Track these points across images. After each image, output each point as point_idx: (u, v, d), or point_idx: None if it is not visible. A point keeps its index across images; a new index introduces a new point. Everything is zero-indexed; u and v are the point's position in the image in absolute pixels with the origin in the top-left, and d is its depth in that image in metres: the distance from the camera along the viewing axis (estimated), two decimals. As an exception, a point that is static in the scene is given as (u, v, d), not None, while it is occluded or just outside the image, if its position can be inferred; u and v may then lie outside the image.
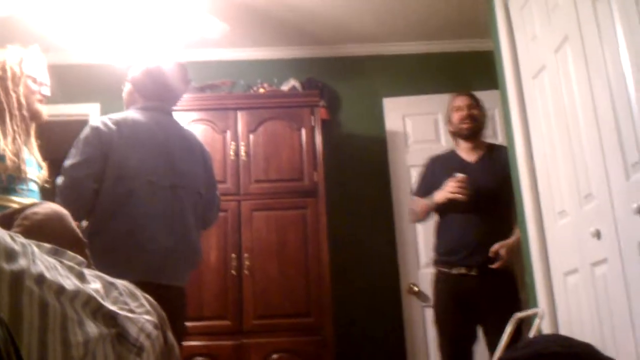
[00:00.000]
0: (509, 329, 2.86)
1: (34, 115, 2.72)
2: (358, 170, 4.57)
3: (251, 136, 4.04)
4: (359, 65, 4.80)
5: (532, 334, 2.86)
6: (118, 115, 2.66)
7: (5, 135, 2.56)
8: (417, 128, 4.62)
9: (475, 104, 3.62)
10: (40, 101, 2.75)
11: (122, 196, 2.51)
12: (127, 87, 2.91)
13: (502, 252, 3.19)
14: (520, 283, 3.33)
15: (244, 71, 4.63)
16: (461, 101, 3.64)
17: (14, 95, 2.63)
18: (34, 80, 2.73)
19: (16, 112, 2.62)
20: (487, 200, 3.31)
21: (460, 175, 3.29)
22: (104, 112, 4.51)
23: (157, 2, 3.36)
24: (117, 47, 3.54)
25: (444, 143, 4.53)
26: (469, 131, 3.57)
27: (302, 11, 4.24)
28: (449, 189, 3.31)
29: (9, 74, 2.65)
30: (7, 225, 1.60)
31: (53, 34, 4.23)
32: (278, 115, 4.09)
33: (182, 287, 2.66)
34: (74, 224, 2.05)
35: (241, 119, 4.07)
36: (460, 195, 3.26)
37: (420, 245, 4.35)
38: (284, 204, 3.93)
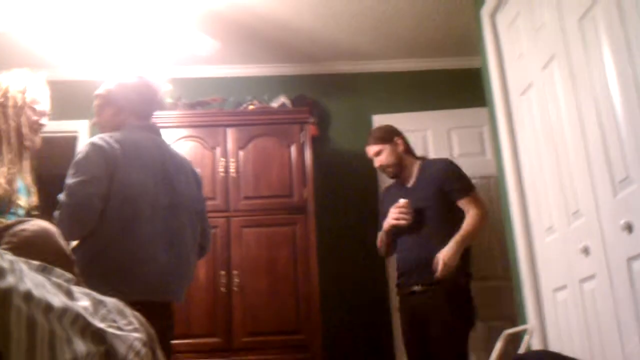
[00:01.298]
0: (498, 345, 2.86)
1: (30, 144, 2.68)
2: (348, 186, 4.57)
3: (241, 153, 4.04)
4: (349, 82, 4.83)
5: (521, 350, 2.86)
6: (118, 135, 2.56)
7: (0, 164, 2.54)
8: (407, 145, 4.63)
9: (381, 144, 3.62)
10: (38, 130, 2.71)
11: (128, 217, 2.46)
12: (103, 110, 2.75)
13: (440, 262, 3.20)
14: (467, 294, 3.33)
15: (234, 88, 4.65)
16: (369, 152, 3.67)
17: (13, 123, 2.60)
18: (34, 110, 2.69)
19: (13, 141, 2.60)
20: (424, 217, 3.36)
21: (401, 201, 3.36)
22: (92, 128, 4.50)
23: (148, 19, 3.37)
24: (107, 63, 3.54)
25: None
26: (390, 175, 3.65)
27: (293, 29, 4.26)
28: (391, 216, 3.39)
29: (10, 102, 2.63)
30: (-5, 243, 1.59)
31: (42, 50, 4.23)
32: (268, 131, 4.10)
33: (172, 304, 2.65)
34: (62, 241, 2.04)
35: (231, 135, 4.08)
36: (402, 221, 3.33)
37: (411, 262, 4.35)
38: (274, 221, 3.92)
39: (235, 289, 3.76)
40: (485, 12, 3.39)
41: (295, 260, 3.84)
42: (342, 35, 4.40)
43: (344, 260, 4.37)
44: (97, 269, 2.33)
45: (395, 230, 3.43)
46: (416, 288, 3.31)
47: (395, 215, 3.37)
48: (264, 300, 3.76)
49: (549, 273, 2.86)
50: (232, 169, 3.98)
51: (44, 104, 2.75)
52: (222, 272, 3.77)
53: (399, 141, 3.60)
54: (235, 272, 3.79)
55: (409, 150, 3.63)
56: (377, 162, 3.61)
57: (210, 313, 3.72)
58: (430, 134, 4.63)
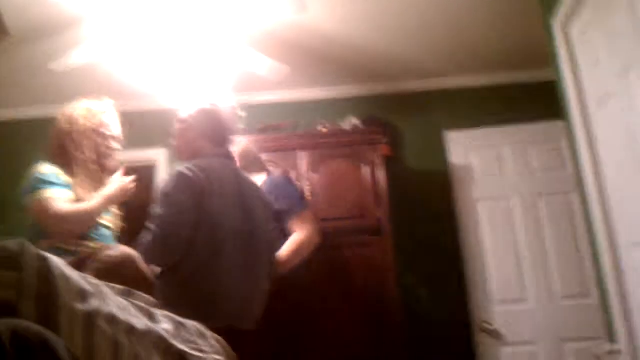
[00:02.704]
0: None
1: (104, 167, 2.79)
2: (423, 205, 4.52)
3: (314, 175, 4.06)
4: (420, 100, 4.79)
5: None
6: (200, 163, 2.60)
7: (80, 186, 2.66)
8: (483, 161, 4.55)
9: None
10: (109, 155, 2.81)
11: (215, 245, 2.49)
12: (184, 134, 2.84)
13: None
14: None
15: (305, 111, 4.70)
16: None
17: (86, 150, 2.71)
18: (103, 135, 2.79)
19: (90, 165, 2.71)
20: None
21: None
22: (170, 156, 4.64)
23: (220, 48, 3.46)
24: (182, 92, 3.64)
25: (511, 175, 4.45)
26: None
27: (360, 49, 4.28)
28: None
29: (75, 127, 2.74)
30: (81, 268, 1.65)
31: (122, 82, 4.40)
32: (340, 153, 4.10)
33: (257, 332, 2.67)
34: (145, 266, 2.10)
35: (304, 158, 4.10)
36: None
37: (492, 281, 4.25)
38: (350, 243, 3.90)
39: (312, 313, 3.75)
40: (556, 22, 3.30)
41: (372, 283, 3.80)
42: (411, 53, 4.38)
43: (422, 281, 4.31)
44: (184, 296, 2.39)
45: None
46: None
47: None
48: (342, 324, 3.73)
49: (639, 289, 2.72)
50: (306, 192, 4.00)
51: (113, 128, 2.85)
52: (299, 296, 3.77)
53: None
54: (312, 295, 3.78)
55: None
56: None
57: (289, 337, 3.72)
58: (507, 149, 4.53)
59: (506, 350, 4.10)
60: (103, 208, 2.67)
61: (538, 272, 4.21)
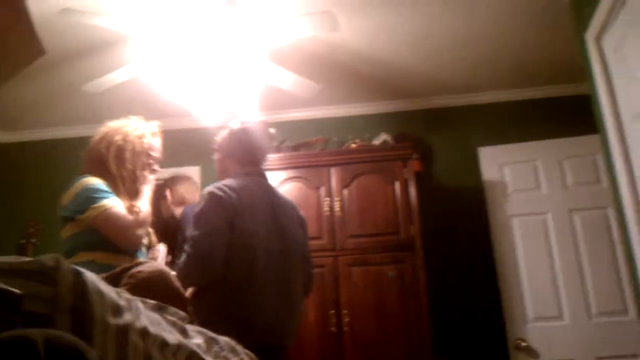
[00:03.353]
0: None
1: (142, 187, 2.78)
2: (456, 222, 4.48)
3: (345, 191, 4.07)
4: (451, 116, 4.78)
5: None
6: (232, 182, 2.64)
7: (124, 201, 2.67)
8: (516, 176, 4.50)
9: None
10: (149, 176, 2.83)
11: (249, 264, 2.51)
12: (218, 156, 2.91)
13: None
14: None
15: (336, 128, 4.71)
16: None
17: (129, 167, 2.73)
18: (150, 156, 2.82)
19: (129, 184, 2.73)
20: None
21: None
22: (204, 173, 4.69)
23: (251, 66, 3.50)
24: (216, 110, 3.69)
25: (545, 191, 4.39)
26: None
27: (391, 66, 4.29)
28: None
29: (129, 146, 2.76)
30: (115, 283, 1.67)
31: (154, 101, 4.48)
32: (371, 169, 4.10)
33: (286, 346, 2.68)
34: (177, 282, 2.12)
35: (334, 174, 4.12)
36: None
37: (527, 298, 4.18)
38: (381, 259, 3.89)
39: (345, 328, 3.74)
40: (590, 36, 3.27)
41: (404, 299, 3.78)
42: (442, 69, 4.37)
43: (455, 298, 4.26)
44: (222, 314, 2.41)
45: None
46: None
47: None
48: (374, 340, 3.72)
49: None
50: (337, 208, 4.01)
51: (158, 151, 2.89)
52: (332, 312, 3.77)
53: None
54: (344, 311, 3.78)
55: None
56: None
57: (322, 354, 3.71)
58: (541, 164, 4.47)
59: (541, 369, 4.03)
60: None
61: (574, 288, 4.13)
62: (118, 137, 2.76)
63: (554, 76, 4.50)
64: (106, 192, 2.62)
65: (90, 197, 2.59)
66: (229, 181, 2.65)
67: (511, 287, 4.22)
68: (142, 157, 2.78)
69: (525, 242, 4.31)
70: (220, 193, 2.55)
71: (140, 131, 2.83)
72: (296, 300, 2.67)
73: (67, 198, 2.66)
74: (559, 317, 4.11)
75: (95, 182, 2.66)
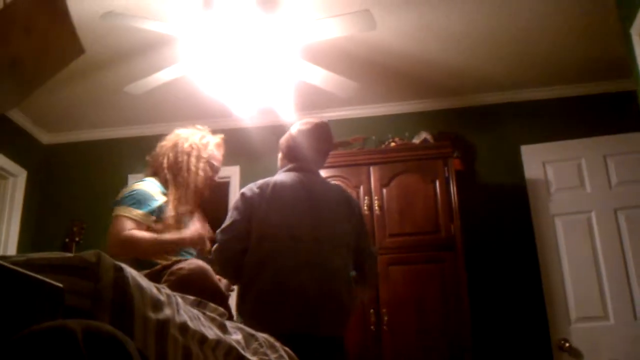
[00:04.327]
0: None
1: (202, 195, 3.00)
2: (498, 220, 4.42)
3: (384, 190, 4.05)
4: (493, 113, 4.71)
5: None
6: (264, 180, 2.84)
7: (179, 202, 2.85)
8: (560, 175, 4.41)
9: None
10: (210, 184, 3.02)
11: (266, 253, 2.63)
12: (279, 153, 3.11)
13: None
14: None
15: (375, 126, 4.69)
16: None
17: (194, 171, 2.93)
18: (212, 166, 3.02)
19: (191, 189, 2.91)
20: None
21: None
22: (243, 173, 4.73)
23: (291, 66, 3.52)
24: (254, 109, 3.72)
25: (589, 189, 4.30)
26: None
27: (430, 64, 4.26)
28: None
29: (195, 152, 2.96)
30: (156, 280, 1.70)
31: (194, 102, 4.54)
32: (410, 168, 4.07)
33: (338, 337, 2.69)
34: (216, 278, 2.15)
35: (374, 173, 4.10)
36: None
37: (571, 298, 4.10)
38: (421, 258, 3.86)
39: (384, 327, 3.72)
40: (635, 31, 3.18)
41: (444, 298, 3.74)
42: (482, 66, 4.32)
43: (497, 298, 4.20)
44: (248, 302, 2.55)
45: None
46: None
47: None
48: (414, 339, 3.69)
49: None
50: (376, 207, 3.99)
51: (219, 161, 3.08)
52: (371, 311, 3.75)
53: None
54: (384, 310, 3.76)
55: None
56: None
57: (361, 353, 3.70)
58: (585, 162, 4.38)
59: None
60: (174, 246, 2.78)
61: (619, 288, 4.04)
62: (186, 145, 2.96)
63: (598, 72, 4.40)
64: (138, 202, 2.76)
65: (120, 199, 2.81)
66: (263, 179, 2.84)
67: (554, 287, 4.14)
68: (206, 166, 2.97)
69: (569, 241, 4.23)
70: (245, 191, 2.79)
71: (206, 140, 3.02)
72: (335, 288, 2.66)
73: (122, 192, 2.90)
74: (604, 317, 4.02)
75: (141, 187, 2.84)
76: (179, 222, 2.83)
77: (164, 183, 2.90)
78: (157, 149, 3.03)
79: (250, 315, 2.48)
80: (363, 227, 2.97)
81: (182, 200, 2.85)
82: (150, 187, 2.86)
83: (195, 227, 2.84)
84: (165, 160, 2.94)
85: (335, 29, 3.21)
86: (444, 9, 3.67)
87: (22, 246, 4.68)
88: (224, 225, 2.75)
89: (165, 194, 2.87)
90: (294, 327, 2.41)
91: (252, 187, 2.80)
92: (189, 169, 2.91)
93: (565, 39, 4.00)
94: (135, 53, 4.01)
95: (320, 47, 3.86)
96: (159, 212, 2.81)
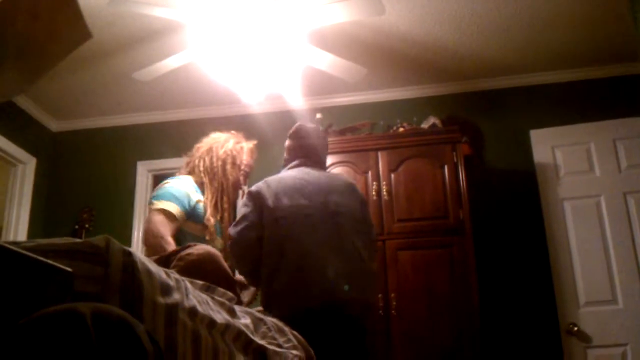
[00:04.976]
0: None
1: (233, 200, 3.20)
2: (506, 205, 4.41)
3: (392, 175, 4.04)
4: (501, 98, 4.68)
5: None
6: (269, 177, 2.93)
7: (211, 206, 3.03)
8: (569, 159, 4.39)
9: None
10: (240, 190, 3.20)
11: (283, 236, 2.70)
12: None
13: None
14: None
15: (383, 112, 4.68)
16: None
17: (230, 178, 3.12)
18: (245, 173, 3.20)
19: (227, 193, 3.11)
20: None
21: None
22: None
23: (298, 52, 3.51)
24: (262, 94, 3.72)
25: (599, 173, 4.28)
26: None
27: (438, 48, 4.23)
28: None
29: (230, 159, 3.14)
30: (165, 265, 1.71)
31: (201, 89, 4.54)
32: (419, 153, 4.06)
33: (370, 303, 2.82)
34: (225, 264, 2.16)
35: (382, 159, 4.09)
36: None
37: (579, 282, 4.09)
38: (429, 243, 3.86)
39: (393, 312, 3.73)
40: (646, 12, 3.16)
41: (453, 283, 3.74)
42: (491, 50, 4.29)
43: (505, 283, 4.20)
44: (274, 285, 2.62)
45: None
46: None
47: None
48: (422, 324, 3.70)
49: None
50: (384, 192, 3.99)
51: (251, 167, 3.26)
52: (379, 296, 3.76)
53: None
54: (392, 295, 3.76)
55: None
56: None
57: (370, 337, 3.70)
58: (594, 146, 4.35)
59: (594, 353, 3.94)
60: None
61: (628, 272, 4.02)
62: (221, 152, 3.14)
63: (607, 56, 4.37)
64: (173, 196, 2.95)
65: (159, 193, 2.99)
66: (272, 176, 2.94)
67: (563, 271, 4.14)
68: (239, 173, 3.17)
69: (577, 225, 4.21)
70: (250, 189, 2.89)
71: (240, 147, 3.21)
72: (357, 258, 2.74)
73: (158, 187, 3.06)
74: (613, 301, 4.01)
75: (179, 184, 3.03)
76: (213, 228, 3.03)
77: (200, 185, 3.09)
78: (194, 150, 3.22)
79: (280, 297, 2.57)
80: (369, 214, 3.07)
81: (218, 206, 3.06)
82: (186, 186, 3.03)
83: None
84: (201, 164, 3.13)
85: (344, 14, 3.20)
86: (452, -8, 3.65)
87: (32, 233, 4.71)
88: (235, 220, 2.84)
89: (198, 194, 3.06)
90: (325, 298, 2.52)
91: (257, 184, 2.88)
92: (225, 175, 3.10)
93: (575, 22, 3.96)
94: (143, 39, 4.01)
95: (328, 32, 3.84)
96: (192, 210, 2.99)
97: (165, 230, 2.82)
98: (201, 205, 3.03)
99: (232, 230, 2.81)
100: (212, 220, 3.01)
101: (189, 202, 2.97)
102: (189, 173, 3.15)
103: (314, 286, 2.58)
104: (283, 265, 2.64)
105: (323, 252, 2.65)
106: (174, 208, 2.90)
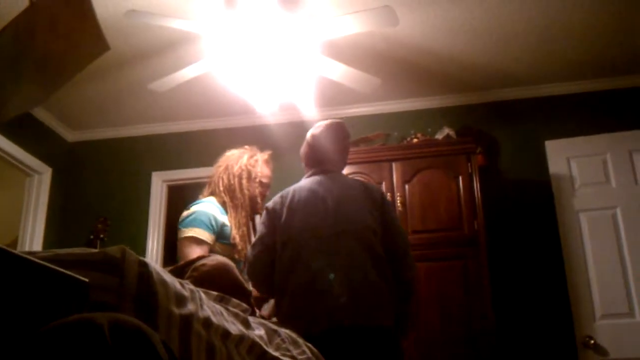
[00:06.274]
0: None
1: (253, 215, 3.25)
2: (521, 217, 4.38)
3: (407, 186, 4.03)
4: (516, 109, 4.67)
5: None
6: (286, 190, 2.91)
7: (239, 226, 3.10)
8: (584, 170, 4.36)
9: None
10: (260, 205, 3.19)
11: (292, 258, 2.68)
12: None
13: None
14: None
15: (397, 123, 4.67)
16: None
17: (247, 192, 3.17)
18: (262, 184, 3.23)
19: (247, 208, 3.17)
20: None
21: None
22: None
23: (311, 62, 3.52)
24: (276, 105, 3.73)
25: (615, 185, 4.25)
26: None
27: (452, 59, 4.23)
28: None
29: (245, 174, 3.19)
30: (180, 276, 1.71)
31: (216, 100, 4.56)
32: (433, 164, 4.05)
33: (381, 327, 2.60)
34: (239, 274, 2.16)
35: (396, 169, 4.08)
36: None
37: (595, 295, 4.05)
38: (444, 254, 3.84)
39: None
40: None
41: (467, 295, 3.72)
42: (506, 61, 4.28)
43: (520, 295, 4.16)
44: (284, 306, 2.62)
45: None
46: None
47: None
48: (436, 336, 3.67)
49: None
50: (398, 203, 3.98)
51: (268, 177, 3.28)
52: (394, 307, 3.73)
53: None
54: (406, 306, 3.74)
55: None
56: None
57: (384, 349, 3.69)
58: (610, 157, 4.32)
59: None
60: None
61: (645, 285, 3.99)
62: (235, 168, 3.20)
63: (623, 67, 4.34)
64: (200, 221, 3.03)
65: (186, 220, 3.07)
66: (286, 189, 2.91)
67: (579, 283, 4.10)
68: (258, 188, 3.21)
69: (593, 237, 4.18)
70: (268, 205, 2.89)
71: (254, 160, 3.25)
72: (367, 280, 2.62)
73: (184, 214, 3.14)
74: (629, 314, 3.97)
75: (203, 209, 3.08)
76: (244, 240, 3.10)
77: (222, 204, 3.16)
78: (214, 170, 3.29)
79: (287, 320, 2.47)
80: (390, 213, 2.92)
81: (241, 223, 3.11)
82: (210, 209, 3.10)
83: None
84: (220, 183, 3.20)
85: (358, 25, 3.21)
86: (468, 4, 3.65)
87: (48, 243, 4.74)
88: (254, 241, 2.86)
89: (223, 215, 3.12)
90: (330, 323, 2.47)
91: (274, 199, 2.89)
92: (242, 191, 3.15)
93: (590, 32, 3.95)
94: (158, 51, 4.04)
95: (342, 42, 3.85)
96: (220, 232, 3.07)
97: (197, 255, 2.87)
98: (227, 227, 3.11)
99: (249, 252, 2.84)
100: (237, 238, 3.06)
101: (216, 224, 3.05)
102: (211, 194, 3.21)
103: (320, 311, 2.54)
104: (290, 288, 2.63)
105: (329, 276, 2.60)
106: (203, 234, 2.99)
